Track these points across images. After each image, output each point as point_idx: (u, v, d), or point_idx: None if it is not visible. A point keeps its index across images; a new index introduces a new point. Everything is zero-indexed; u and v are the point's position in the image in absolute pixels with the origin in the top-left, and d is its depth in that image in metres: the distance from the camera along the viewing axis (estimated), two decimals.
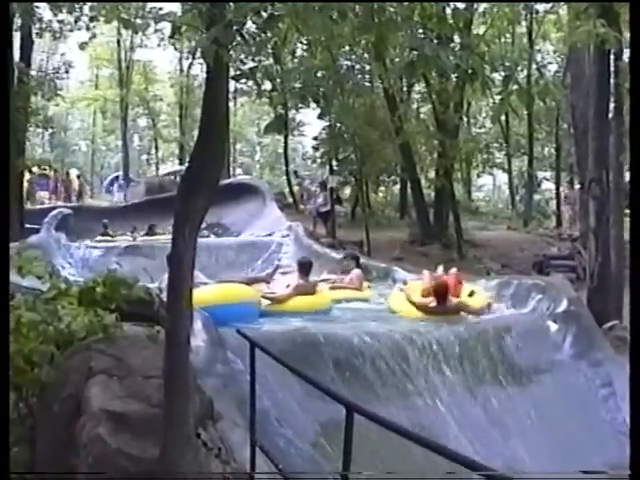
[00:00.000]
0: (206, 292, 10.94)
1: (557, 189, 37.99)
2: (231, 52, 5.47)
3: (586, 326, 11.62)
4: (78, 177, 43.84)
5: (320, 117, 30.55)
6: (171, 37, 43.15)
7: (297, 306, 12.47)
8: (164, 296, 6.79)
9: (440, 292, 12.32)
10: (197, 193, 5.70)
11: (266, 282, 13.94)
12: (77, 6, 21.87)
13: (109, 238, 26.07)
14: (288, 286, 13.00)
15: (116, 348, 6.72)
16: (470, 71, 5.61)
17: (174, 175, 39.58)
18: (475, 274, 17.21)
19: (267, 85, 5.25)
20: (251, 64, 5.54)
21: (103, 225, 27.52)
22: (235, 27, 5.09)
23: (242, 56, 9.90)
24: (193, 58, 45.49)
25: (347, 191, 36.78)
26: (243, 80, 37.16)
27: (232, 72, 6.43)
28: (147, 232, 27.25)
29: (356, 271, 15.22)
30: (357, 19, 5.82)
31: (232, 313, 10.42)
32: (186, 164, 6.88)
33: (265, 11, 5.28)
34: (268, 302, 12.29)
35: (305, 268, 13.33)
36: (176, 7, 11.12)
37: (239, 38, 5.18)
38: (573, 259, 22.51)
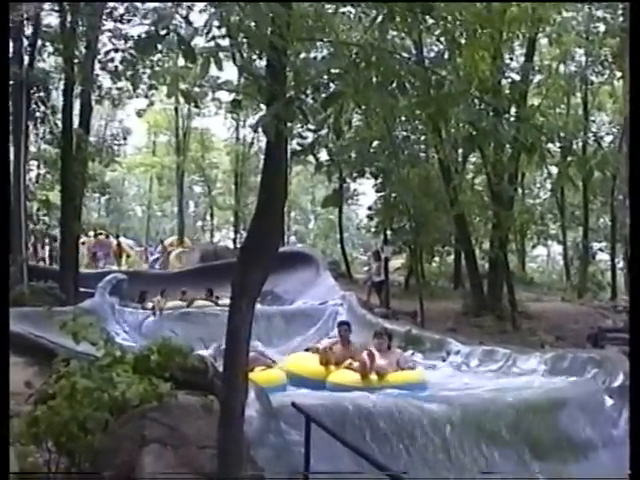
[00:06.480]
0: None
1: (612, 260, 37.67)
2: (290, 124, 5.53)
3: None
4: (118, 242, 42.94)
5: (378, 191, 30.78)
6: (232, 112, 43.29)
7: None
8: (219, 365, 6.81)
9: None
10: (255, 265, 5.73)
11: None
12: (137, 75, 22.33)
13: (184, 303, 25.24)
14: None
15: (170, 417, 6.74)
16: (528, 144, 5.59)
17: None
18: (529, 346, 17.01)
19: (323, 154, 5.30)
20: (310, 136, 5.54)
21: (182, 292, 26.68)
22: (295, 103, 5.14)
23: (299, 127, 9.97)
24: (255, 132, 45.66)
25: (401, 260, 36.76)
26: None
27: (291, 140, 6.49)
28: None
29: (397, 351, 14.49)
30: (415, 93, 5.85)
31: None
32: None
33: (325, 87, 5.33)
34: None
35: None
36: (233, 76, 11.26)
37: (299, 113, 5.21)
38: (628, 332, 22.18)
